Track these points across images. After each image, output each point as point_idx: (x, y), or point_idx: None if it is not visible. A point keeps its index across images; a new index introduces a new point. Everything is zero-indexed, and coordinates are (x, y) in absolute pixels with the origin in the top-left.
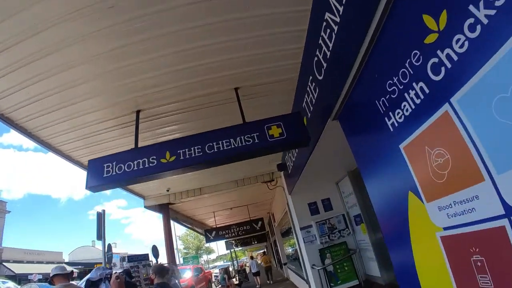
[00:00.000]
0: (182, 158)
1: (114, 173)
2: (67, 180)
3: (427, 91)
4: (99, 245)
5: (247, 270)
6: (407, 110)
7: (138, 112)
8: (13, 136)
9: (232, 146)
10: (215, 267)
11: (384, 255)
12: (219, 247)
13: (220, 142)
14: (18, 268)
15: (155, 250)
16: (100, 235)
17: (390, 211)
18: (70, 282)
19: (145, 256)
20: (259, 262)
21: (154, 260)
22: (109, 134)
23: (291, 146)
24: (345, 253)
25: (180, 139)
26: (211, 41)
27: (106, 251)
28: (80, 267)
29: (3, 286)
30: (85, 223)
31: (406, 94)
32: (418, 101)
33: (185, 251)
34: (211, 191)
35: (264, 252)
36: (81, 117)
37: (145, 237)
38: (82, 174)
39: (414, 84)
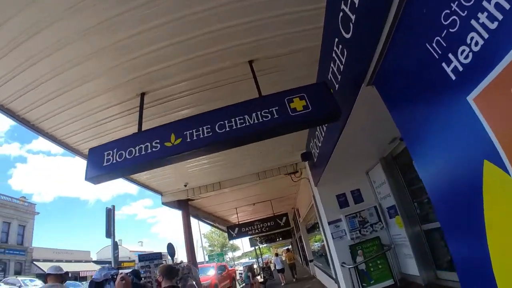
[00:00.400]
0: (189, 140)
1: (114, 161)
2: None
3: (507, 6)
4: (126, 243)
5: (272, 267)
6: (476, 43)
7: (142, 95)
8: (42, 142)
9: (247, 124)
10: (240, 264)
11: (424, 251)
12: (244, 244)
13: (233, 119)
14: (47, 267)
15: (170, 248)
16: (110, 233)
17: (453, 190)
18: (62, 283)
19: (158, 255)
20: (283, 258)
21: (170, 259)
22: (116, 123)
23: (318, 121)
24: (378, 250)
25: (187, 119)
26: (219, 2)
27: (113, 249)
28: (106, 265)
29: (31, 284)
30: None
31: (473, 21)
32: (493, 26)
33: (210, 248)
34: (231, 185)
35: (288, 249)
36: (82, 104)
37: (171, 235)
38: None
39: (484, 2)
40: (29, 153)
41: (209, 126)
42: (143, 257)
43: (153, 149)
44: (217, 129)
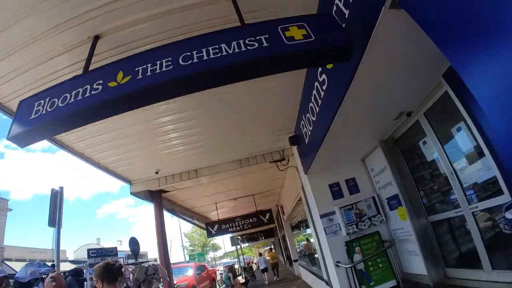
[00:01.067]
0: (140, 77)
1: (44, 111)
2: (74, 180)
3: None
4: (104, 242)
5: (254, 267)
6: None
7: (96, 39)
8: None
9: (224, 54)
10: (221, 264)
11: (431, 247)
12: (226, 243)
13: (204, 49)
14: (19, 267)
15: (133, 244)
16: (54, 221)
17: None
18: None
19: (112, 251)
20: (267, 258)
21: (133, 258)
22: (64, 79)
23: (322, 54)
24: (378, 246)
25: (144, 53)
26: None
27: (56, 242)
28: (82, 265)
29: None
30: (92, 222)
31: None
32: None
33: (191, 248)
34: (209, 173)
35: (270, 249)
36: (20, 51)
37: (152, 234)
38: (90, 172)
39: None
40: (6, 148)
41: (170, 58)
42: (93, 252)
43: (92, 92)
44: (180, 62)
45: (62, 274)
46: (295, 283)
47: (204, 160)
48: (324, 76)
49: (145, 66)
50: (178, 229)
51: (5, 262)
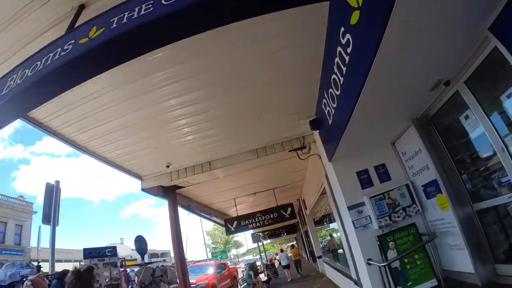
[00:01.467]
0: (114, 26)
1: (14, 85)
2: (99, 182)
3: None
4: (127, 242)
5: (277, 264)
6: None
7: (81, 8)
8: (46, 144)
9: None
10: (244, 261)
11: (478, 240)
12: (248, 240)
13: None
14: (46, 267)
15: (139, 242)
16: (49, 217)
17: None
18: None
19: (112, 250)
20: (289, 255)
21: (139, 258)
22: None
23: None
24: (415, 240)
25: (123, 3)
26: None
27: (51, 239)
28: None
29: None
30: (116, 222)
31: None
32: None
33: (213, 245)
34: (223, 164)
35: (292, 245)
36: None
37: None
38: (113, 175)
39: None
40: (32, 155)
41: (151, 1)
42: (90, 252)
43: (62, 54)
44: (163, 1)
45: (46, 276)
46: (320, 281)
47: (217, 150)
48: (348, 36)
49: (121, 15)
50: (199, 227)
51: (32, 263)
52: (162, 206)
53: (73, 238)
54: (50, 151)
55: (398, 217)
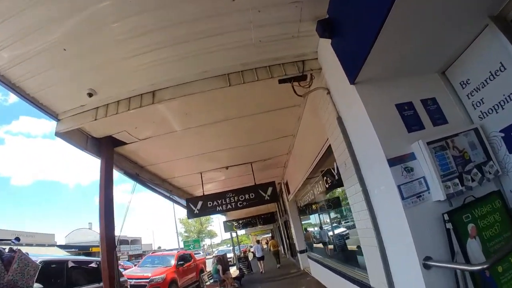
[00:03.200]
0: None
1: None
2: (75, 166)
3: None
4: (96, 227)
5: (251, 256)
6: None
7: None
8: (22, 123)
9: None
10: (217, 252)
11: None
12: (223, 230)
13: None
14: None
15: None
16: None
17: None
18: None
19: None
20: (264, 247)
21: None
22: None
23: None
24: (506, 222)
25: None
26: None
27: None
28: (73, 250)
29: None
30: (91, 207)
31: None
32: None
33: (186, 234)
34: (174, 95)
35: (272, 237)
36: None
37: (149, 221)
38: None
39: None
40: (7, 134)
41: None
42: None
43: None
44: None
45: None
46: (304, 282)
47: (167, 72)
48: None
49: None
50: (172, 213)
51: None
52: (138, 192)
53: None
54: (26, 131)
55: (472, 180)
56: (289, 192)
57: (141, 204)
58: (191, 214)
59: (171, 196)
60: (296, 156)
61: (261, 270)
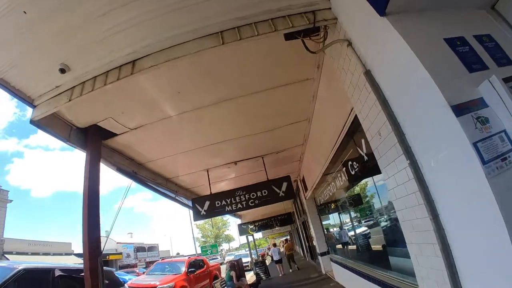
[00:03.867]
0: None
1: None
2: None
3: None
4: (113, 234)
5: (268, 260)
6: None
7: None
8: (40, 137)
9: None
10: (235, 256)
11: None
12: (239, 233)
13: None
14: (21, 260)
15: None
16: None
17: None
18: None
19: None
20: (281, 250)
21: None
22: None
23: None
24: None
25: None
26: None
27: None
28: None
29: None
30: (109, 216)
31: None
32: None
33: (203, 239)
34: (157, 62)
35: (286, 240)
36: None
37: (167, 228)
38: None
39: None
40: (26, 148)
41: None
42: None
43: None
44: None
45: None
46: (327, 286)
47: (147, 32)
48: None
49: None
50: (187, 220)
51: (5, 255)
52: (158, 200)
53: (64, 232)
54: (44, 145)
55: None
56: (306, 189)
57: (159, 211)
58: (197, 216)
59: (176, 198)
60: (313, 145)
61: (280, 273)
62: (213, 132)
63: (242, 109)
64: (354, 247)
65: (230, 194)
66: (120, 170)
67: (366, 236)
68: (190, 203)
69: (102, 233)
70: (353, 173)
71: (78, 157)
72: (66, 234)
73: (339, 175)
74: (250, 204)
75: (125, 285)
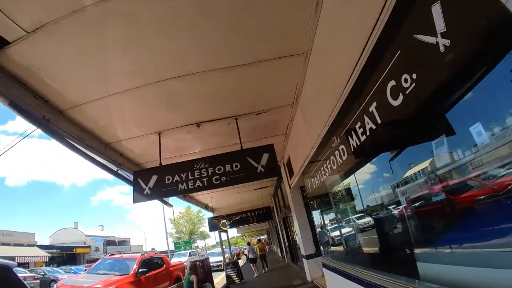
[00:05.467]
0: None
1: None
2: (70, 167)
3: None
4: (82, 227)
5: (243, 260)
6: None
7: None
8: (18, 124)
9: None
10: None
11: None
12: (209, 228)
13: None
14: None
15: None
16: None
17: None
18: None
19: None
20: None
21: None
22: None
23: None
24: None
25: None
26: None
27: None
28: (55, 250)
29: None
30: (87, 208)
31: None
32: None
33: (177, 235)
34: None
35: (259, 240)
36: None
37: (143, 222)
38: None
39: None
40: (3, 134)
41: None
42: None
43: None
44: None
45: None
46: None
47: None
48: None
49: None
50: (162, 214)
51: None
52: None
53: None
54: (22, 132)
55: None
56: (291, 175)
57: (135, 206)
58: (139, 196)
59: (119, 172)
60: (308, 102)
61: (255, 273)
62: (160, 52)
63: (210, 10)
64: (367, 249)
65: (186, 167)
66: (17, 108)
67: (385, 231)
68: (129, 176)
69: (71, 225)
70: (367, 141)
71: (56, 146)
72: (37, 224)
73: (343, 146)
74: (215, 182)
75: (55, 286)
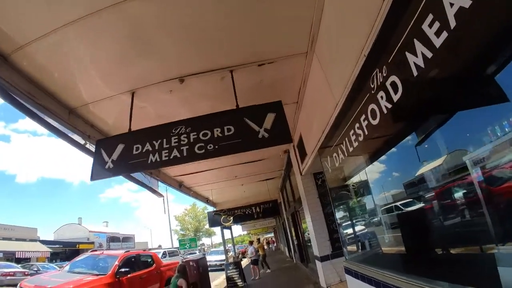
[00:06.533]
0: None
1: None
2: (80, 164)
3: None
4: (86, 223)
5: (244, 262)
6: None
7: None
8: (29, 122)
9: None
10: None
11: None
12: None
13: None
14: None
15: None
16: None
17: None
18: None
19: None
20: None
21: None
22: None
23: None
24: None
25: None
26: None
27: None
28: (57, 246)
29: None
30: (94, 205)
31: None
32: None
33: (182, 232)
34: None
35: (258, 239)
36: None
37: (148, 218)
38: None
39: None
40: (13, 132)
41: None
42: None
43: None
44: None
45: None
46: None
47: None
48: None
49: None
50: (166, 210)
51: None
52: (142, 191)
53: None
54: (32, 130)
55: None
56: (303, 159)
57: (143, 202)
58: (99, 170)
59: (87, 146)
60: (332, 37)
61: (256, 276)
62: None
63: None
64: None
65: (162, 133)
66: None
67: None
68: (93, 148)
69: (75, 220)
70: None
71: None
72: (44, 220)
73: (394, 79)
74: (197, 151)
75: (18, 285)
